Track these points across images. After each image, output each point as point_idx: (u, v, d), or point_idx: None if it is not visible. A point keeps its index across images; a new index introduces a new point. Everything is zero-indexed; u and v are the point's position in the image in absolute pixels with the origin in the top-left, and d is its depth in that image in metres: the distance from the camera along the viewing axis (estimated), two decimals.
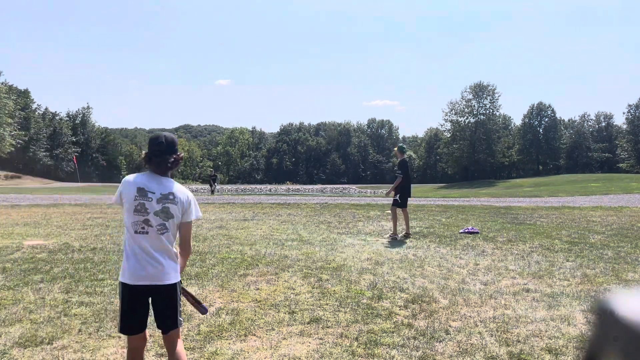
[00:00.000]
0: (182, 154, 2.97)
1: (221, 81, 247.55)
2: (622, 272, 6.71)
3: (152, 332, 4.16)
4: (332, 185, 70.39)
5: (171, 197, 2.81)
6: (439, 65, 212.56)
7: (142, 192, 2.76)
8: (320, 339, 4.07)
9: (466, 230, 10.56)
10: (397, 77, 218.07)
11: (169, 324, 2.84)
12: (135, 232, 2.74)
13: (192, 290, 5.52)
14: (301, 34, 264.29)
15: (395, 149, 10.38)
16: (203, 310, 3.08)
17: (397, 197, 9.88)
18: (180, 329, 2.95)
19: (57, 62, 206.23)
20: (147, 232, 2.75)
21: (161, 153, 2.81)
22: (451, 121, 71.21)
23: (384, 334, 4.16)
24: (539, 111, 75.03)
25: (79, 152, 72.56)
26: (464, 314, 4.76)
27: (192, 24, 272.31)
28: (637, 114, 68.91)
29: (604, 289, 5.84)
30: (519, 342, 4.02)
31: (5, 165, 57.59)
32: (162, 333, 2.89)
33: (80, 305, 4.87)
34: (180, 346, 2.89)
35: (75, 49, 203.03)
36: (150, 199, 2.76)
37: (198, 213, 2.95)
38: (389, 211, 10.86)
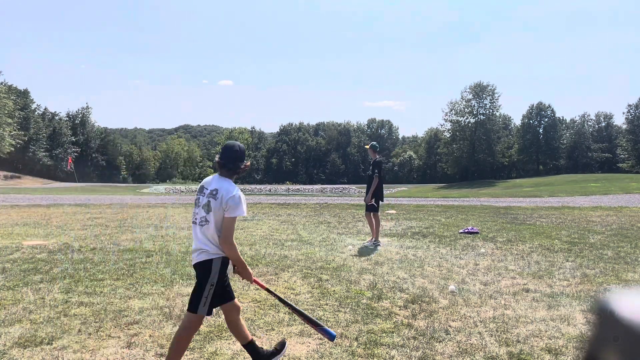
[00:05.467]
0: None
1: (224, 82, 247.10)
2: (622, 272, 6.71)
3: (152, 332, 4.16)
4: (332, 185, 70.35)
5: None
6: (439, 65, 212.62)
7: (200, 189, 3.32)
8: (320, 339, 4.06)
9: (466, 230, 10.55)
10: (397, 77, 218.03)
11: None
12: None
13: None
14: (301, 35, 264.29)
15: (368, 147, 9.28)
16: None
17: (374, 202, 8.94)
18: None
19: (57, 62, 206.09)
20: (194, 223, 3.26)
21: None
22: (451, 121, 71.17)
23: (384, 334, 4.16)
24: (539, 111, 74.97)
25: (78, 152, 72.47)
26: (464, 314, 4.76)
27: (192, 24, 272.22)
28: (637, 114, 68.84)
29: (604, 289, 5.84)
30: (518, 342, 4.02)
31: (5, 165, 57.58)
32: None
33: (80, 305, 4.87)
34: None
35: (75, 49, 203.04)
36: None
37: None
38: (369, 215, 9.25)
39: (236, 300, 3.34)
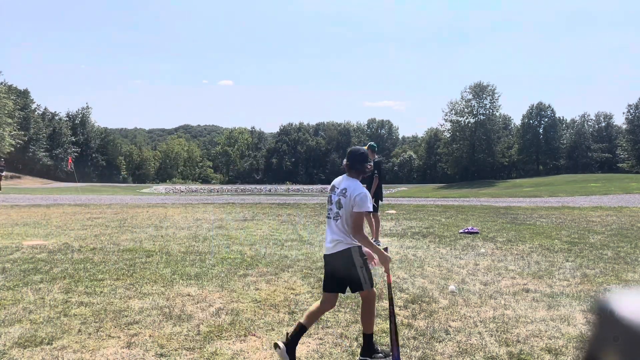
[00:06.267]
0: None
1: (224, 82, 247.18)
2: (622, 272, 6.71)
3: (152, 332, 4.16)
4: None
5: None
6: (439, 65, 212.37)
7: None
8: (320, 339, 4.07)
9: (466, 230, 10.55)
10: (397, 77, 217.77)
11: None
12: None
13: (192, 290, 5.53)
14: (301, 35, 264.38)
15: (366, 147, 8.63)
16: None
17: (373, 202, 8.65)
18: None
19: (57, 62, 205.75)
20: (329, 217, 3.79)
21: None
22: (451, 121, 71.15)
23: (384, 334, 4.16)
24: (539, 111, 74.92)
25: (78, 152, 72.44)
26: (464, 314, 4.76)
27: (192, 24, 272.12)
28: (637, 114, 68.82)
29: (604, 289, 5.84)
30: (518, 342, 4.02)
31: (5, 165, 57.52)
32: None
33: (80, 305, 4.87)
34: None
35: (75, 49, 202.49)
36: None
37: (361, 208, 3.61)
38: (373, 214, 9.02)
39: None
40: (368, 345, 3.71)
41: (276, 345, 3.58)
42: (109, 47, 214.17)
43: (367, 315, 3.73)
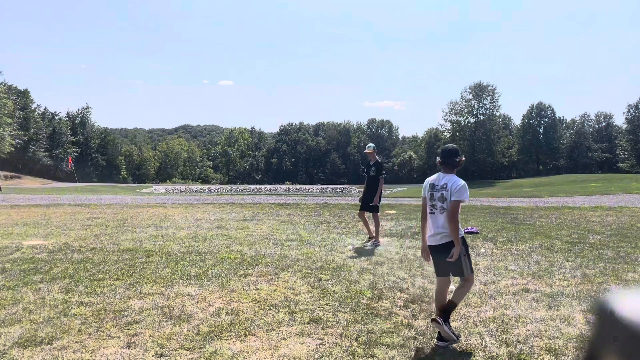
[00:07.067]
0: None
1: (224, 82, 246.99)
2: (622, 272, 6.71)
3: (152, 332, 4.16)
4: (332, 185, 70.37)
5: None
6: (439, 65, 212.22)
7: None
8: (320, 339, 4.06)
9: (466, 231, 10.55)
10: (397, 77, 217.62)
11: None
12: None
13: (192, 290, 5.53)
14: (301, 35, 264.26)
15: (371, 150, 9.09)
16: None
17: (378, 203, 9.04)
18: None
19: (57, 62, 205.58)
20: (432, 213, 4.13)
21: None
22: (451, 121, 71.34)
23: (384, 334, 4.16)
24: (539, 111, 75.03)
25: (78, 152, 72.51)
26: (464, 314, 4.76)
27: (192, 24, 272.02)
28: (637, 114, 68.92)
29: (604, 289, 5.84)
30: (518, 342, 4.02)
31: (5, 165, 57.53)
32: None
33: (80, 305, 4.87)
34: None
35: (75, 49, 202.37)
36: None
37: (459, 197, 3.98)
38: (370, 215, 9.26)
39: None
40: (447, 311, 4.00)
41: (434, 320, 3.98)
42: (108, 47, 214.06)
43: (462, 291, 4.12)
